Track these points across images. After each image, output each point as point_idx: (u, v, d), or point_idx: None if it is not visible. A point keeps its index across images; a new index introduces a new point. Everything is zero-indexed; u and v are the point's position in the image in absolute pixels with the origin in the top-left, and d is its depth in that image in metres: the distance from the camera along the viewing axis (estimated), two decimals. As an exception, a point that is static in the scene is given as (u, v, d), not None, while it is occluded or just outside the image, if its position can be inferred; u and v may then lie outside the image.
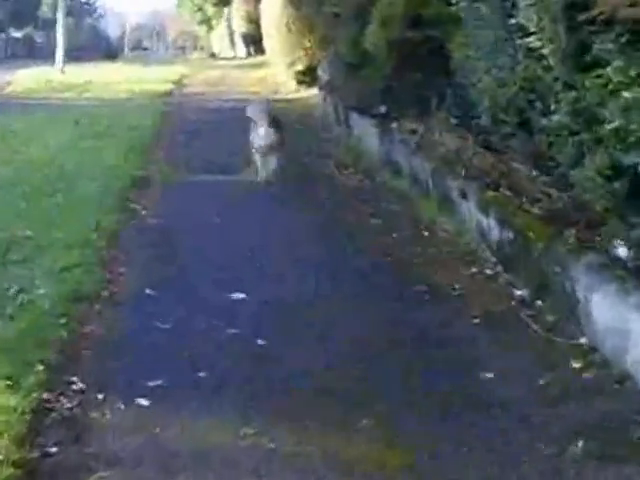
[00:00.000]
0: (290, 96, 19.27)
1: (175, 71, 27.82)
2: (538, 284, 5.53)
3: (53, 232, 7.32)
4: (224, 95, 19.92)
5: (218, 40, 55.91)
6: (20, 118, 15.46)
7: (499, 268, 6.24)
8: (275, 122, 10.01)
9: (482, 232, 6.69)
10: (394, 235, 7.40)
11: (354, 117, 12.24)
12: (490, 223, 6.50)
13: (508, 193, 6.47)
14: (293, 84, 20.26)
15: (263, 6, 22.12)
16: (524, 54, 6.00)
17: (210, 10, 57.72)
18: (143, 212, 8.40)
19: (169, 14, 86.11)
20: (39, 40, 59.73)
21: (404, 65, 8.96)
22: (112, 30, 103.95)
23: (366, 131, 11.31)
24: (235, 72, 27.47)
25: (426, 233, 7.43)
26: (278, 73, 22.08)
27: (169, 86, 22.51)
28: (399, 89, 9.57)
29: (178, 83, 24.03)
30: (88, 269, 6.35)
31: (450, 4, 7.98)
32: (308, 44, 19.69)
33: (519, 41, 6.05)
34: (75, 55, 38.45)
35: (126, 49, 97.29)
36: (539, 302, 5.45)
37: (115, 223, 7.84)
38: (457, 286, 5.98)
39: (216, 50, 57.14)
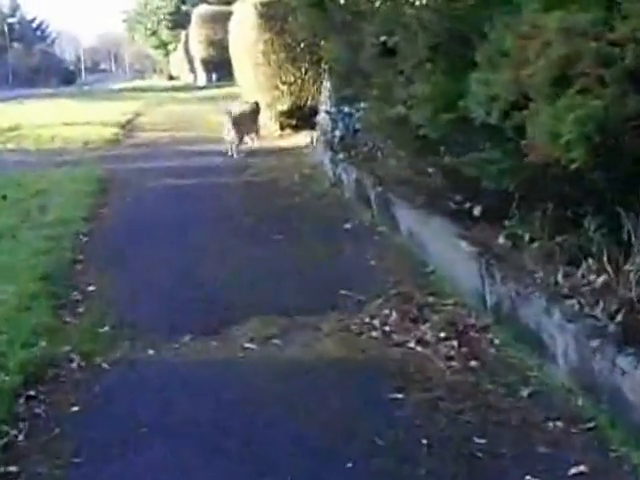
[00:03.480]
0: (275, 144, 14.35)
1: (126, 109, 22.25)
2: None
3: None
4: (192, 146, 14.86)
5: (177, 64, 51.20)
6: None
7: None
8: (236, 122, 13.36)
9: None
10: None
11: (400, 204, 7.42)
12: None
13: None
14: (275, 127, 15.41)
15: (232, 30, 17.18)
16: None
17: (165, 34, 53.13)
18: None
19: (125, 37, 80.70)
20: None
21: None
22: (67, 54, 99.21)
23: (438, 239, 6.46)
24: (200, 108, 22.12)
25: None
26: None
27: (116, 131, 17.25)
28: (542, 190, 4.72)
29: (128, 127, 18.59)
30: None
31: None
32: (292, 78, 14.93)
33: None
34: (27, 82, 33.68)
35: (83, 73, 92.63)
36: None
37: None
38: None
39: (175, 74, 52.60)
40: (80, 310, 5.89)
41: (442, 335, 5.19)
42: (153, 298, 6.13)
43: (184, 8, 47.47)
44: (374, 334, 5.28)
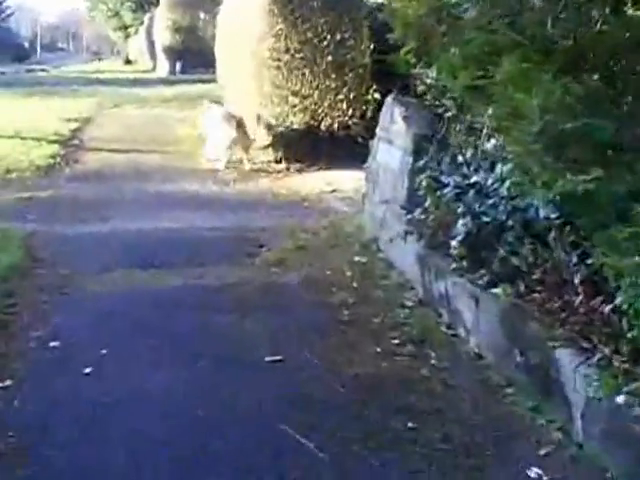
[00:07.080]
0: (289, 186, 9.42)
1: (72, 110, 16.04)
2: None
3: None
4: (163, 185, 9.55)
5: (136, 48, 45.61)
6: None
7: None
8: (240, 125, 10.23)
9: None
10: None
11: None
12: None
13: None
14: (277, 156, 10.48)
15: (224, 17, 12.11)
16: None
17: (127, 16, 47.43)
18: None
19: (85, 16, 74.21)
20: None
21: None
22: (24, 29, 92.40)
23: None
24: (168, 114, 16.17)
25: None
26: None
27: (54, 151, 11.55)
28: None
29: (72, 142, 12.74)
30: None
31: None
32: (307, 89, 10.07)
33: None
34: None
35: (38, 50, 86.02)
36: None
37: None
38: None
39: (132, 58, 47.11)
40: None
41: None
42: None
43: (152, -10, 41.95)
44: None
